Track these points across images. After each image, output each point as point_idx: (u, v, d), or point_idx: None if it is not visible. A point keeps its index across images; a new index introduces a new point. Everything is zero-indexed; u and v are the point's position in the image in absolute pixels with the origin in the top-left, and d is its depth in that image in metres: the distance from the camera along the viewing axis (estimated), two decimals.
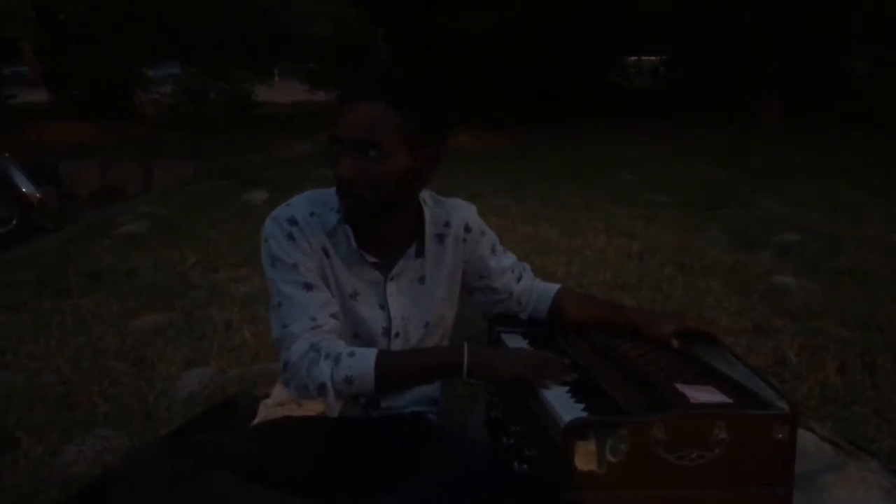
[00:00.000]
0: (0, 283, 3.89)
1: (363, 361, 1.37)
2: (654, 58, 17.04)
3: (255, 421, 1.60)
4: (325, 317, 1.42)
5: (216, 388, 2.49)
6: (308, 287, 1.42)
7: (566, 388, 1.37)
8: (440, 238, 1.55)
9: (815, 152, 8.24)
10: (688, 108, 11.25)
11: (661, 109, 11.81)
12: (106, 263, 4.17)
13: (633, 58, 17.09)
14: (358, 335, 1.50)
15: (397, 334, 1.53)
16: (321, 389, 1.37)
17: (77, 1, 13.66)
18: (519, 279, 1.69)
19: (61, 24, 13.91)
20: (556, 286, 1.75)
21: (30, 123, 11.21)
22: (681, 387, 1.33)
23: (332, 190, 1.50)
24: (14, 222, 5.55)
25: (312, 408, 1.55)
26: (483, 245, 1.62)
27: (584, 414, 1.25)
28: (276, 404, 1.59)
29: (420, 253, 1.52)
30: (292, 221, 1.45)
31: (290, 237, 1.44)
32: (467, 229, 1.58)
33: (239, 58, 14.08)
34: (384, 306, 1.51)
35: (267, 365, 2.66)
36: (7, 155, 5.73)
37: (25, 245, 4.87)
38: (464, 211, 1.60)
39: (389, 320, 1.52)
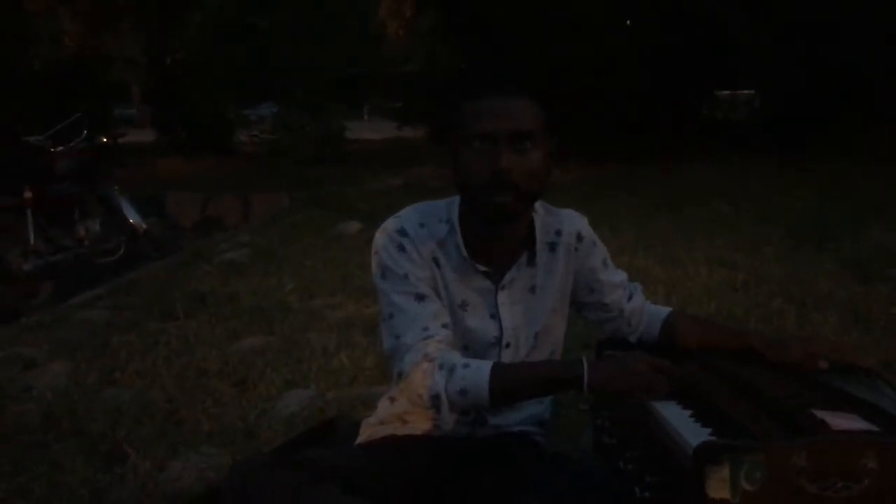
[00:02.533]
0: (112, 306, 4.06)
1: (478, 373, 1.33)
2: (746, 91, 16.60)
3: (359, 440, 1.58)
4: (438, 327, 1.40)
5: (315, 410, 2.50)
6: (420, 297, 1.41)
7: (689, 412, 1.29)
8: (552, 246, 1.52)
9: None
10: (788, 139, 10.86)
11: (759, 142, 11.44)
12: (208, 288, 4.29)
13: (727, 91, 16.70)
14: (468, 347, 1.47)
15: (508, 344, 1.49)
16: (435, 400, 1.34)
17: (184, 46, 14.43)
18: (630, 298, 1.63)
19: (168, 68, 14.70)
20: (669, 309, 1.68)
21: (137, 160, 11.81)
22: (819, 413, 1.23)
23: (440, 202, 1.50)
24: (122, 251, 5.80)
25: (417, 426, 1.52)
26: (595, 256, 1.57)
27: (713, 438, 1.17)
28: (378, 422, 1.57)
29: (531, 261, 1.49)
30: (402, 233, 1.44)
31: (401, 248, 1.43)
32: (579, 238, 1.55)
33: (332, 96, 14.54)
34: (495, 316, 1.48)
35: (366, 389, 2.65)
36: (117, 188, 6.02)
37: (134, 271, 5.08)
38: (576, 220, 1.57)
39: (501, 330, 1.48)
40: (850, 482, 1.10)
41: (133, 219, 5.90)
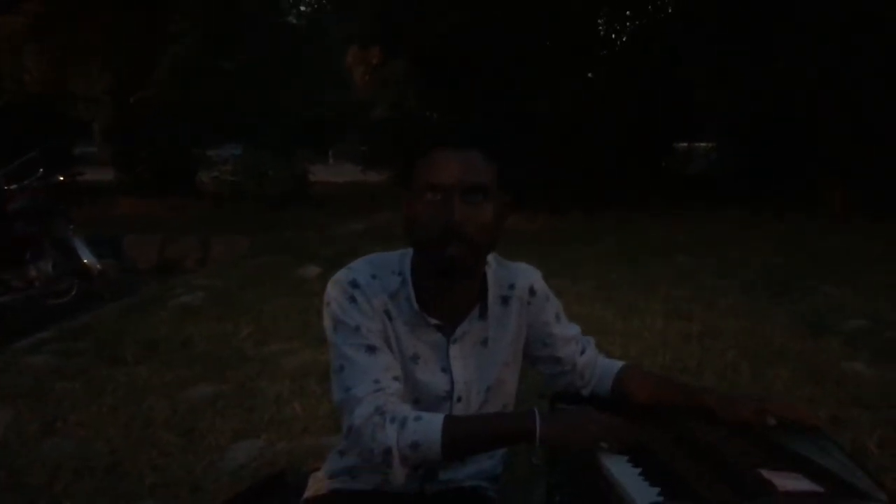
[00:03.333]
0: (58, 351, 3.94)
1: (430, 426, 1.31)
2: (704, 144, 17.02)
3: (306, 494, 1.54)
4: (389, 380, 1.38)
5: (264, 462, 2.44)
6: (371, 349, 1.39)
7: (639, 471, 1.28)
8: (504, 300, 1.51)
9: (879, 240, 7.99)
10: (745, 193, 11.11)
11: (717, 195, 11.69)
12: (161, 333, 4.21)
13: (684, 143, 17.09)
14: (419, 400, 1.45)
15: (459, 398, 1.47)
16: (386, 455, 1.31)
17: (150, 86, 14.35)
18: (583, 352, 1.63)
19: (131, 107, 14.59)
20: (622, 363, 1.67)
21: (95, 200, 11.66)
22: (766, 473, 1.23)
23: (392, 254, 1.49)
24: (74, 292, 5.67)
25: (366, 481, 1.49)
26: (548, 311, 1.57)
27: (661, 499, 1.16)
28: (327, 476, 1.54)
29: (484, 315, 1.48)
30: (354, 284, 1.42)
31: (352, 300, 1.41)
32: (532, 292, 1.54)
33: (297, 139, 14.56)
34: (446, 369, 1.47)
35: (316, 439, 2.60)
36: (72, 228, 5.91)
37: (86, 314, 4.96)
38: (529, 274, 1.56)
39: (452, 384, 1.47)
40: None
41: (87, 260, 5.79)
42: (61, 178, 5.95)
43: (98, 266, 5.80)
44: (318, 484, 1.54)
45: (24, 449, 2.61)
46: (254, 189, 12.32)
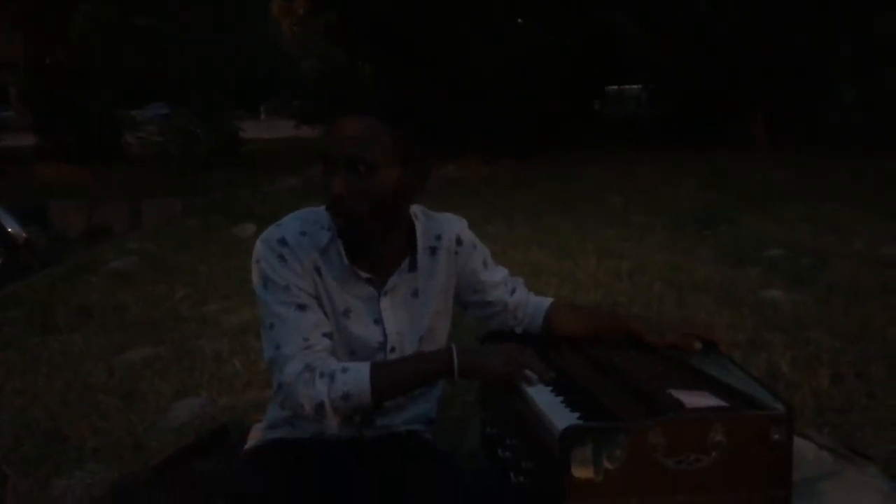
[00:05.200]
0: None
1: (358, 375, 1.36)
2: (633, 86, 17.24)
3: (248, 445, 1.58)
4: (318, 336, 1.41)
5: (207, 418, 2.47)
6: (301, 307, 1.41)
7: (561, 398, 1.36)
8: (432, 251, 1.55)
9: (799, 173, 8.32)
10: (674, 133, 11.36)
11: (647, 135, 11.92)
12: (94, 299, 4.14)
13: (615, 87, 17.27)
14: (354, 352, 1.49)
15: (392, 349, 1.51)
16: (319, 409, 1.36)
17: (63, 46, 13.73)
18: (513, 292, 1.68)
19: (47, 69, 13.96)
20: (550, 300, 1.74)
21: (16, 167, 11.23)
22: (675, 392, 1.32)
23: (323, 208, 1.49)
24: (0, 262, 5.50)
25: (305, 429, 1.53)
26: (475, 258, 1.61)
27: (580, 422, 1.24)
28: (268, 426, 1.57)
29: (413, 267, 1.51)
30: (283, 242, 1.43)
31: (282, 258, 1.42)
32: (459, 242, 1.58)
33: (226, 96, 14.17)
34: (378, 321, 1.50)
35: (258, 393, 2.63)
36: None
37: (13, 284, 4.83)
38: (455, 224, 1.60)
39: (385, 335, 1.50)
40: (701, 455, 1.20)
41: (11, 229, 5.61)
42: None
43: (24, 235, 5.63)
44: (258, 434, 1.58)
45: None
46: (182, 149, 12.01)
